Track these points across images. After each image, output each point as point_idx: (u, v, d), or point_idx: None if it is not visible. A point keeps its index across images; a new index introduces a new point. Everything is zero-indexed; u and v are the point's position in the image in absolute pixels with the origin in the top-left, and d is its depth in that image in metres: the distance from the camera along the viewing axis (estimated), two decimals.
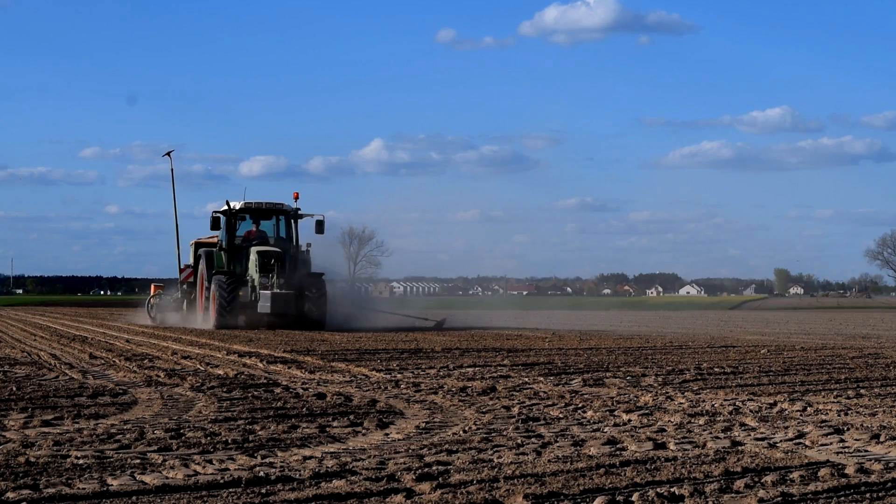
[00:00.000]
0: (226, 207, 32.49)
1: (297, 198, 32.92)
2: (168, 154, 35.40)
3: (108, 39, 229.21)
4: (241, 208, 32.53)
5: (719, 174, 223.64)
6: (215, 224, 32.05)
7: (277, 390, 12.33)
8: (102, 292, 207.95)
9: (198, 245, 34.77)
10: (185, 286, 35.02)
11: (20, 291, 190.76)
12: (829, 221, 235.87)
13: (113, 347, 20.99)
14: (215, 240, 33.92)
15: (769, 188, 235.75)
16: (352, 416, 9.90)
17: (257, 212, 32.91)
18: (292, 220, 32.97)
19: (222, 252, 32.45)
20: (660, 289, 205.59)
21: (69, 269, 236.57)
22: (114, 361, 16.85)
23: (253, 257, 31.47)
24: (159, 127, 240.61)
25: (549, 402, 11.22)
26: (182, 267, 35.43)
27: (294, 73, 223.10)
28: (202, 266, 32.94)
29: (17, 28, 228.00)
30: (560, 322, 45.04)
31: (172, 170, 35.39)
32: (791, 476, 6.95)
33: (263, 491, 6.44)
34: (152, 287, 37.29)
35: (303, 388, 12.59)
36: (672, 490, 6.46)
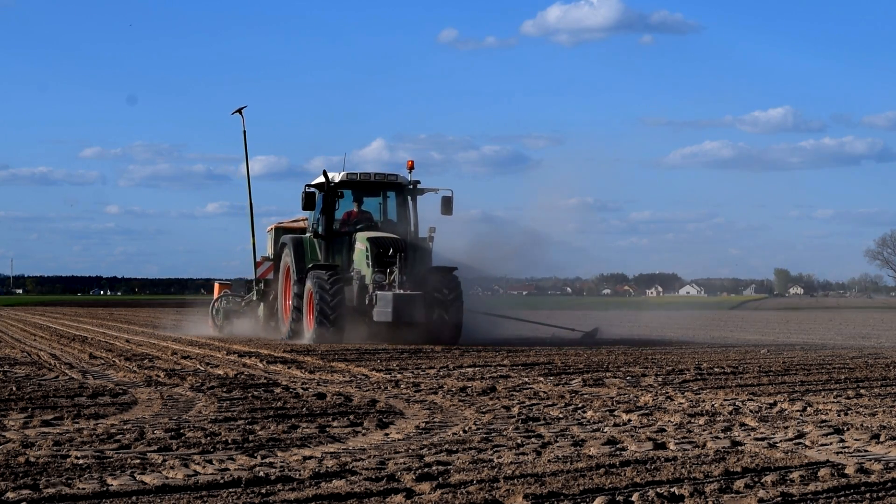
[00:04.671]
0: (322, 180, 24.46)
1: (412, 167, 24.90)
2: (239, 111, 27.73)
3: (108, 39, 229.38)
4: (342, 181, 24.54)
5: (720, 174, 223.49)
6: (308, 202, 24.01)
7: (277, 390, 12.33)
8: (102, 292, 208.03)
9: (279, 230, 27.07)
10: (261, 285, 27.01)
11: (20, 291, 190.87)
12: (829, 221, 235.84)
13: (113, 347, 21.00)
14: (302, 224, 26.82)
15: (770, 188, 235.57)
16: (352, 416, 9.91)
17: (363, 186, 24.94)
18: (408, 197, 24.93)
19: (317, 239, 24.56)
20: (660, 289, 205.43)
21: (69, 269, 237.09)
22: (114, 361, 16.85)
23: (362, 246, 23.50)
24: (160, 127, 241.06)
25: (549, 402, 11.22)
26: (259, 260, 27.40)
27: (295, 73, 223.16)
28: (288, 258, 24.90)
29: (18, 27, 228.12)
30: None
31: (245, 132, 27.71)
32: (791, 476, 6.95)
33: (263, 491, 6.44)
34: (216, 286, 29.15)
35: (303, 388, 12.59)
36: (672, 490, 6.47)
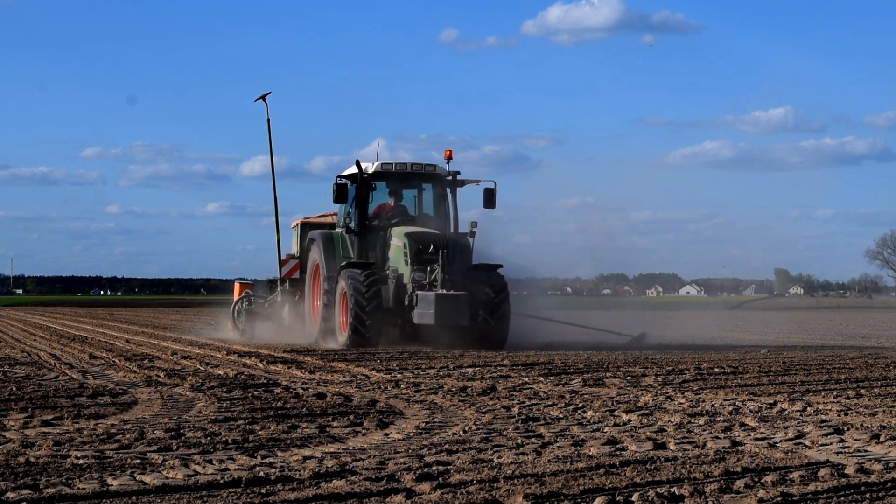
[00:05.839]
0: (355, 171, 22.66)
1: (450, 157, 23.00)
2: (262, 98, 25.57)
3: (108, 39, 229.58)
4: (376, 172, 22.69)
5: (721, 174, 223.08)
6: (340, 195, 22.24)
7: (277, 390, 12.33)
8: (102, 292, 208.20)
9: (305, 226, 25.25)
10: (286, 285, 25.03)
11: (20, 291, 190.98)
12: (829, 221, 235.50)
13: (113, 347, 21.00)
14: (330, 219, 25.15)
15: (770, 188, 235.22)
16: (352, 416, 9.91)
17: (399, 177, 23.10)
18: (447, 190, 23.03)
19: (349, 235, 22.73)
20: (660, 289, 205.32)
21: (69, 269, 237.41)
22: (114, 361, 16.85)
23: (399, 243, 21.87)
24: (160, 127, 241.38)
25: (549, 402, 11.22)
26: (283, 258, 25.40)
27: (295, 73, 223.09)
28: (316, 255, 23.04)
29: (19, 27, 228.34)
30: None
31: (269, 120, 25.63)
32: (791, 476, 6.95)
33: (263, 491, 6.44)
34: (237, 286, 26.77)
35: (303, 388, 12.60)
36: (672, 490, 6.47)
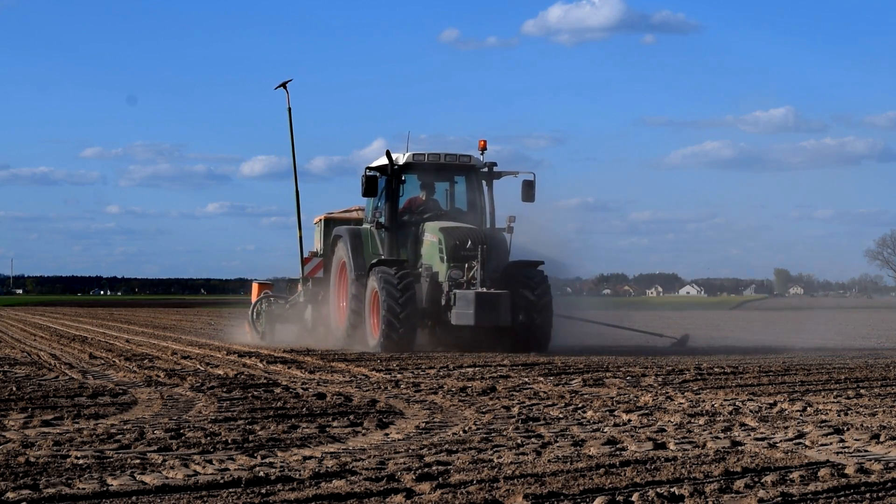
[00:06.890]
0: (385, 162, 21.31)
1: (484, 148, 21.63)
2: (283, 85, 24.18)
3: (108, 39, 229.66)
4: (407, 163, 21.25)
5: (721, 174, 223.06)
6: (370, 188, 20.83)
7: (277, 390, 12.34)
8: (102, 292, 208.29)
9: (329, 222, 23.95)
10: (309, 284, 23.57)
11: (20, 291, 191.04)
12: (830, 221, 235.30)
13: (113, 347, 21.00)
14: (355, 214, 24.00)
15: (771, 188, 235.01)
16: (352, 416, 9.91)
17: (432, 169, 21.64)
18: (483, 182, 21.65)
19: (378, 231, 21.29)
20: (660, 289, 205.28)
21: (69, 269, 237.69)
22: (114, 361, 16.86)
23: (433, 238, 20.54)
24: (160, 127, 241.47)
25: (549, 402, 11.22)
26: (307, 255, 24.00)
27: (295, 73, 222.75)
28: (343, 252, 21.56)
29: (19, 27, 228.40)
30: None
31: (290, 109, 24.25)
32: (791, 476, 6.95)
33: (263, 491, 6.44)
34: (255, 287, 25.32)
35: (303, 388, 12.60)
36: (672, 490, 6.47)
